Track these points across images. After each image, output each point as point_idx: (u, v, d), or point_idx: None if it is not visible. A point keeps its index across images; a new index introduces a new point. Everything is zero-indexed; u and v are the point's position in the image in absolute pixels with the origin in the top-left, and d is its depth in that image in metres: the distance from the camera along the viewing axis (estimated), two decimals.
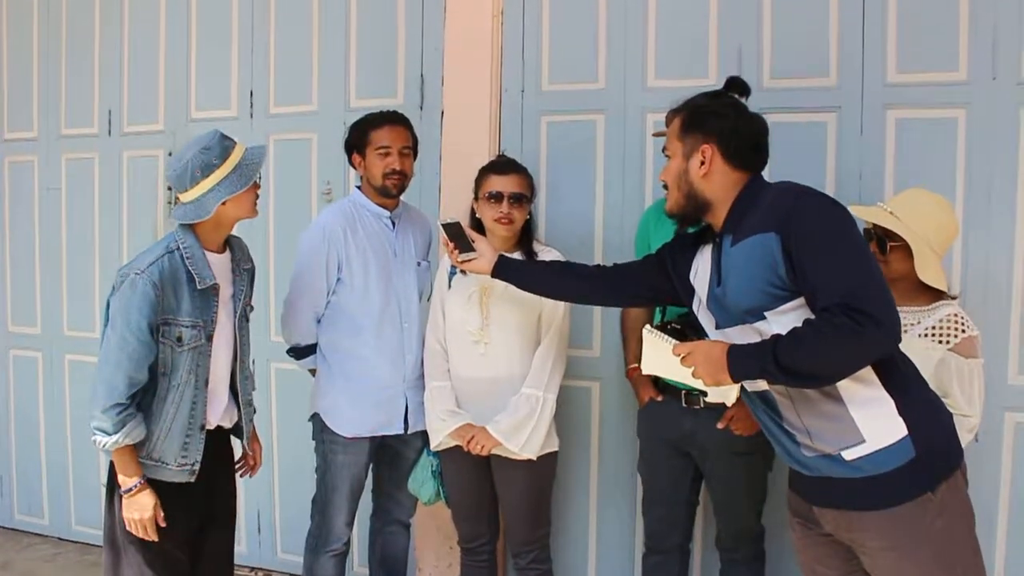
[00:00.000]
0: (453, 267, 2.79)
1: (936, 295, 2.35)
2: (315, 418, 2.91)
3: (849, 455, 1.87)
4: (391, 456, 2.97)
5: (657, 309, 2.74)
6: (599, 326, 3.24)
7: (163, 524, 2.33)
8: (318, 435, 2.90)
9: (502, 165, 2.78)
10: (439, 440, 2.76)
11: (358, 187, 2.94)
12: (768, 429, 2.05)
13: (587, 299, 2.53)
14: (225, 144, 2.37)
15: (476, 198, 2.77)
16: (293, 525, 3.60)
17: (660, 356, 2.04)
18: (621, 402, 3.18)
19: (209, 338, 2.40)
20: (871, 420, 1.86)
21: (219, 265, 2.45)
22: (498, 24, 3.34)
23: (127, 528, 2.34)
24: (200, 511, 2.47)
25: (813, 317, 1.81)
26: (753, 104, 2.97)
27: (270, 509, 3.80)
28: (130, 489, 2.31)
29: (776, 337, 1.83)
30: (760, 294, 1.90)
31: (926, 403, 1.93)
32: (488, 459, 2.73)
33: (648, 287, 2.30)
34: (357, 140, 2.87)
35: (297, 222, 3.45)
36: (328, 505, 2.88)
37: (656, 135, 2.72)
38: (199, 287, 2.36)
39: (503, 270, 2.50)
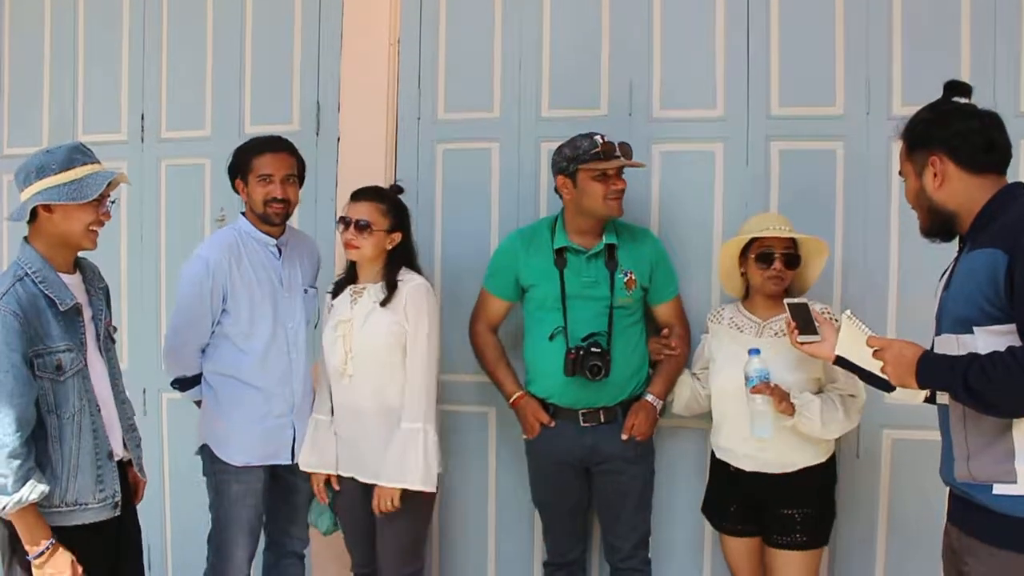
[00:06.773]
0: (333, 297, 2.80)
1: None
2: (204, 449, 2.83)
3: (997, 490, 1.84)
4: (284, 487, 2.90)
5: (561, 335, 2.74)
6: None
7: None
8: (208, 467, 2.82)
9: (358, 192, 2.75)
10: (307, 462, 2.79)
11: (243, 213, 2.88)
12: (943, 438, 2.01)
13: None
14: (74, 156, 2.21)
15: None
16: (187, 563, 3.47)
17: (854, 343, 2.01)
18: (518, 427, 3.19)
19: (85, 361, 2.26)
20: None
21: (74, 286, 2.28)
22: (395, 52, 3.35)
23: None
24: (113, 550, 2.31)
25: (1021, 345, 1.76)
26: (643, 134, 3.07)
27: (162, 548, 3.64)
28: (41, 553, 2.09)
29: (972, 356, 1.80)
30: (974, 306, 1.83)
31: None
32: (371, 489, 2.69)
33: None
34: (239, 166, 2.82)
35: (189, 249, 3.30)
36: (225, 540, 2.78)
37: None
38: (62, 309, 2.20)
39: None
